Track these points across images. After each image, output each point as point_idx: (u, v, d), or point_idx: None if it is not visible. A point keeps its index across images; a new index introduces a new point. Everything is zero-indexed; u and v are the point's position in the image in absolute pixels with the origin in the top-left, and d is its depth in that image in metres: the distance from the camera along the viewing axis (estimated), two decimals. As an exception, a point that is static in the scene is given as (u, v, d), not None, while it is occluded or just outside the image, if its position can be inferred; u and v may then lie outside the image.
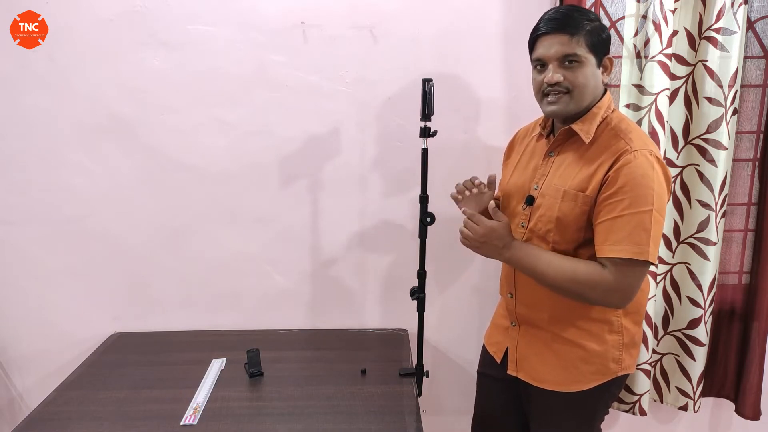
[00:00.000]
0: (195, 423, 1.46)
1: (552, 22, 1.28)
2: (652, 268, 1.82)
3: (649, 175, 1.24)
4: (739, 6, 1.67)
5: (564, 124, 1.37)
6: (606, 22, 1.80)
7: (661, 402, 2.02)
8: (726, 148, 1.76)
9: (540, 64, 1.33)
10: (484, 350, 1.67)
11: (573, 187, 1.32)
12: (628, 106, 1.78)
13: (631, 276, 1.27)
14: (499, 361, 1.57)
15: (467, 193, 1.52)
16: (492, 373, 1.62)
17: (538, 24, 1.32)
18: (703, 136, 1.79)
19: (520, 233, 1.43)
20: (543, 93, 1.33)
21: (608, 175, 1.27)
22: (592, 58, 1.29)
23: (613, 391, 1.49)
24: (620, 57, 1.78)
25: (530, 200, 1.41)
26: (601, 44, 1.30)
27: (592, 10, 1.75)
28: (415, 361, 1.71)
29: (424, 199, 1.57)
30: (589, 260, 1.32)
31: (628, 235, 1.24)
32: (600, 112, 1.34)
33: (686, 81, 1.79)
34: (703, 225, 1.83)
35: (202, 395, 1.58)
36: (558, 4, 1.74)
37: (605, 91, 1.37)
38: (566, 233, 1.34)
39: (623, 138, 1.29)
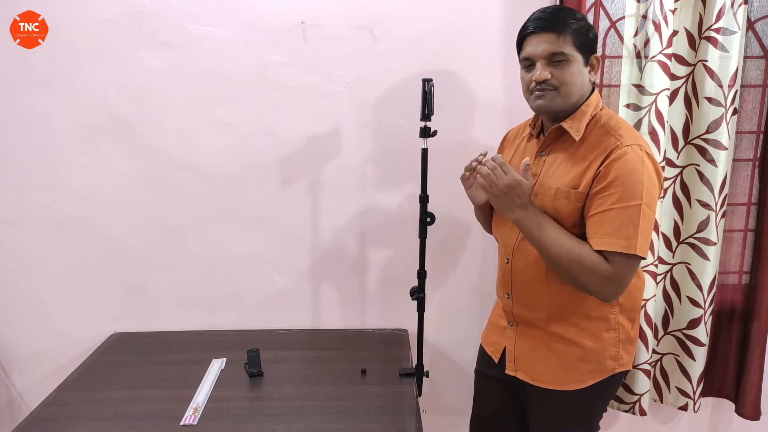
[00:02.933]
0: (195, 423, 1.46)
1: (539, 21, 1.30)
2: (651, 268, 1.83)
3: (639, 170, 1.26)
4: (739, 6, 1.67)
5: (553, 122, 1.38)
6: (606, 22, 1.81)
7: (661, 402, 2.02)
8: (726, 148, 1.76)
9: (528, 63, 1.34)
10: (482, 350, 1.67)
11: (565, 185, 1.34)
12: (628, 106, 1.78)
13: (624, 269, 1.28)
14: (497, 360, 1.58)
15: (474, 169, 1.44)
16: (490, 373, 1.62)
17: (525, 23, 1.34)
18: (703, 136, 1.79)
19: (516, 232, 1.44)
20: (530, 91, 1.35)
21: (600, 170, 1.28)
22: (579, 56, 1.30)
23: (611, 389, 1.50)
24: (620, 57, 1.78)
25: None
26: (587, 43, 1.31)
27: (592, 10, 1.76)
28: (415, 361, 1.71)
29: (424, 199, 1.57)
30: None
31: (616, 228, 1.26)
32: (589, 110, 1.35)
33: (686, 81, 1.79)
34: (703, 225, 1.83)
35: (202, 395, 1.58)
36: (557, 4, 1.74)
37: (593, 89, 1.38)
38: None
39: (613, 134, 1.31)
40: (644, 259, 1.31)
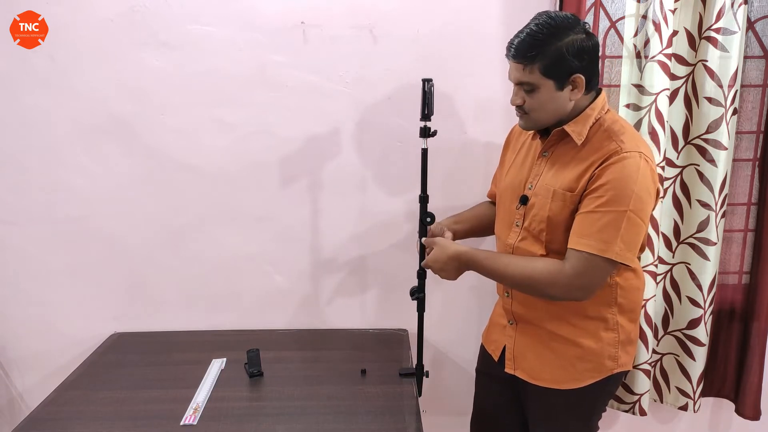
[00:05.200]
0: (195, 423, 1.46)
1: (510, 50, 1.32)
2: (651, 268, 1.83)
3: (632, 177, 1.26)
4: (739, 6, 1.67)
5: (556, 125, 1.38)
6: (606, 22, 1.81)
7: (661, 402, 2.02)
8: (726, 148, 1.76)
9: None
10: (483, 349, 1.68)
11: (562, 187, 1.34)
12: (628, 106, 1.78)
13: (592, 271, 1.29)
14: (496, 359, 1.58)
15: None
16: (490, 372, 1.63)
17: (507, 44, 1.33)
18: (703, 136, 1.79)
19: (516, 232, 1.45)
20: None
21: (595, 172, 1.29)
22: (549, 81, 1.29)
23: (610, 389, 1.51)
24: (620, 57, 1.78)
25: (524, 200, 1.42)
26: (561, 67, 1.28)
27: (592, 10, 1.75)
28: (415, 361, 1.71)
29: (424, 199, 1.57)
30: (547, 258, 1.36)
31: (597, 231, 1.27)
32: (593, 113, 1.35)
33: (686, 81, 1.79)
34: (703, 225, 1.83)
35: (202, 395, 1.58)
36: (558, 6, 1.74)
37: (599, 92, 1.38)
38: (557, 233, 1.36)
39: (615, 140, 1.31)
40: (626, 265, 1.31)
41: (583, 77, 1.30)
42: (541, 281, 1.33)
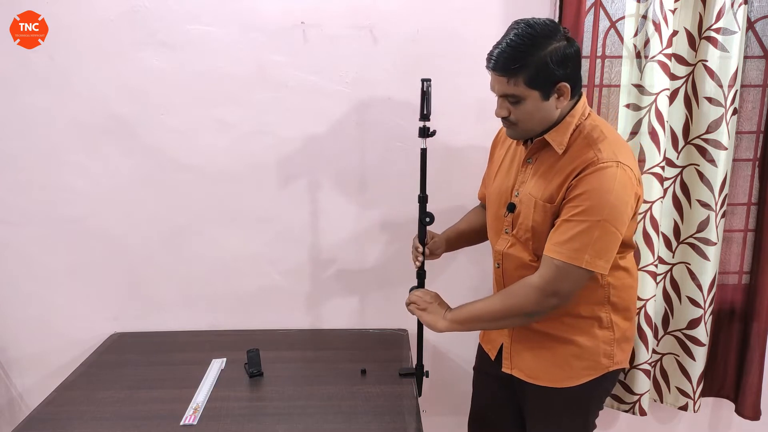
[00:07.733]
0: (195, 423, 1.46)
1: (490, 63, 1.30)
2: (651, 268, 1.83)
3: (608, 188, 1.25)
4: (739, 6, 1.67)
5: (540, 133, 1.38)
6: (606, 22, 1.80)
7: (661, 402, 2.02)
8: (726, 148, 1.76)
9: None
10: (480, 348, 1.68)
11: (543, 198, 1.34)
12: (628, 106, 1.78)
13: (562, 279, 1.30)
14: (493, 358, 1.59)
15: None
16: (488, 370, 1.64)
17: (487, 55, 1.32)
18: (703, 136, 1.79)
19: (505, 240, 1.45)
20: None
21: (572, 182, 1.29)
22: (535, 92, 1.27)
23: (606, 387, 1.52)
24: (620, 57, 1.78)
25: (511, 207, 1.43)
26: (546, 77, 1.26)
27: (592, 10, 1.75)
28: (415, 361, 1.71)
29: (423, 199, 1.57)
30: (513, 283, 1.39)
31: (569, 239, 1.27)
32: (573, 120, 1.34)
33: (686, 81, 1.79)
34: (703, 225, 1.83)
35: (202, 395, 1.58)
36: (558, 6, 1.74)
37: (580, 96, 1.36)
38: (543, 241, 1.36)
39: (593, 148, 1.30)
40: (603, 273, 1.31)
41: (568, 85, 1.28)
42: (515, 304, 1.35)
